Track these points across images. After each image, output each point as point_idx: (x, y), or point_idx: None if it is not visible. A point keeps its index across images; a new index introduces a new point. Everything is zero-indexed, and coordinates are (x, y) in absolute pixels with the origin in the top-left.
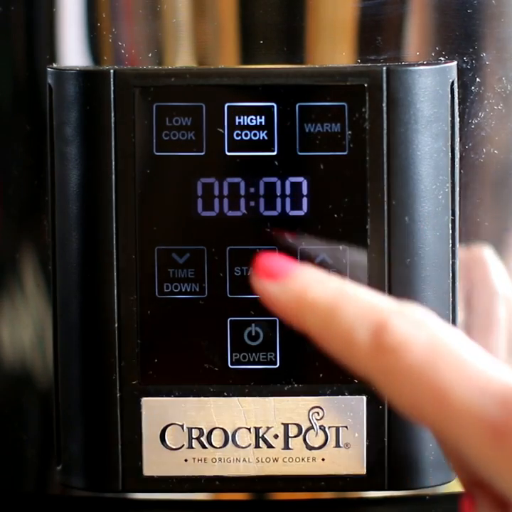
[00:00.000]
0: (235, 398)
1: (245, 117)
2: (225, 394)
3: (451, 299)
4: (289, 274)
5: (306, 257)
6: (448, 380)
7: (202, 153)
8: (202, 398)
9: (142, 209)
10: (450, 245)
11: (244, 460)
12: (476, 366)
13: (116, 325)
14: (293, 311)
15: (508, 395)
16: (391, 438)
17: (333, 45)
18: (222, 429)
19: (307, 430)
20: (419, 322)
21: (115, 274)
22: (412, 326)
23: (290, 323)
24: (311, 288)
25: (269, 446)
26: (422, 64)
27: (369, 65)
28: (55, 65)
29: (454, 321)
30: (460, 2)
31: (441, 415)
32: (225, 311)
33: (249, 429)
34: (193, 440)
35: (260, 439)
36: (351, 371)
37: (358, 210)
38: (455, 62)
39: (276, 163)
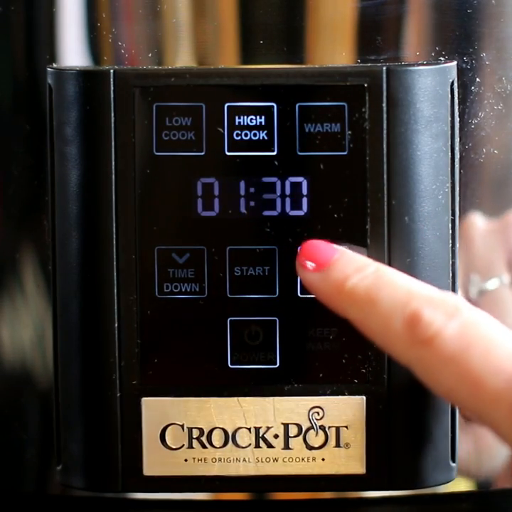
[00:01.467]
0: (235, 398)
1: (245, 117)
2: (225, 394)
3: None
4: (329, 263)
5: None
6: (479, 367)
7: (202, 153)
8: (202, 398)
9: (142, 209)
10: (450, 245)
11: (244, 460)
12: (505, 353)
13: (116, 325)
14: (333, 299)
15: None
16: (391, 438)
17: (333, 45)
18: (222, 429)
19: (307, 430)
20: (451, 311)
21: (115, 274)
22: (443, 315)
23: (334, 310)
24: (349, 277)
25: (269, 446)
26: (422, 64)
27: (369, 65)
28: (55, 65)
29: None
30: (460, 2)
31: (474, 401)
32: (225, 311)
33: (249, 429)
34: (193, 440)
35: (260, 439)
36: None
37: (358, 210)
38: (455, 62)
39: (276, 163)
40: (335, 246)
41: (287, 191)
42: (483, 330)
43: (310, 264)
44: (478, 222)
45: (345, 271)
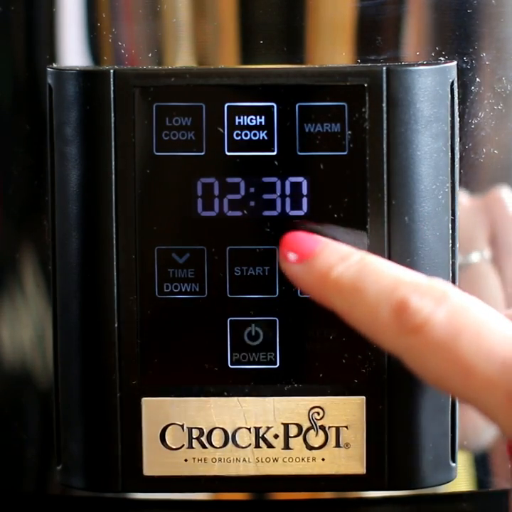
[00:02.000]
0: (235, 398)
1: (245, 117)
2: (225, 394)
3: None
4: (312, 254)
5: None
6: (469, 354)
7: (202, 153)
8: (202, 398)
9: (142, 209)
10: (450, 245)
11: (244, 460)
12: (496, 338)
13: (116, 325)
14: (318, 290)
15: None
16: (391, 438)
17: (333, 45)
18: (222, 429)
19: (307, 430)
20: (439, 297)
21: (115, 274)
22: (431, 302)
23: (319, 302)
24: (334, 267)
25: (269, 446)
26: (422, 64)
27: (369, 65)
28: (55, 65)
29: None
30: (459, 2)
31: (466, 387)
32: (225, 311)
33: (249, 429)
34: (193, 440)
35: (260, 439)
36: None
37: (358, 210)
38: (455, 62)
39: (276, 163)
40: (318, 237)
41: (287, 191)
42: (473, 315)
43: (292, 256)
44: (461, 199)
45: (329, 261)
